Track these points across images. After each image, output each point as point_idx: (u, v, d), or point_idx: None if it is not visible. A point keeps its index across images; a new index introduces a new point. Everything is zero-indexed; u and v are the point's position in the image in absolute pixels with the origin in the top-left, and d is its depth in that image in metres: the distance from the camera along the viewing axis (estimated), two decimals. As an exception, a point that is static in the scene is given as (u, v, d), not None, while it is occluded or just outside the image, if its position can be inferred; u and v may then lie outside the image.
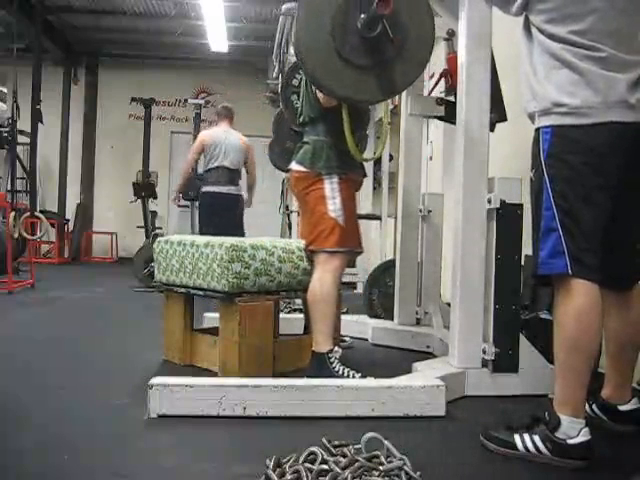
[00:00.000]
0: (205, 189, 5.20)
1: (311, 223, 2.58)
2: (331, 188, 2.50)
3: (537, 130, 1.79)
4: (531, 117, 1.84)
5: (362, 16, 2.15)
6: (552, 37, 1.73)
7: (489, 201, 2.40)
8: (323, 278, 2.48)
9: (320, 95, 2.47)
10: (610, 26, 1.70)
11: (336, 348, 2.47)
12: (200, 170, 5.77)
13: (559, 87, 1.71)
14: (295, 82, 3.92)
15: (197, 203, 5.58)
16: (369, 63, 2.22)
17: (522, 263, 2.43)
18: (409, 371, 2.49)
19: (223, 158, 5.15)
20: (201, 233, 5.07)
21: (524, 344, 2.43)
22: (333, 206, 2.49)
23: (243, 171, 5.42)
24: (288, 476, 1.44)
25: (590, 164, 1.70)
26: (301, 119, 2.65)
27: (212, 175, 5.15)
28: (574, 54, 1.69)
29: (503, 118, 2.88)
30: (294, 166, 2.61)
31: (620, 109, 1.68)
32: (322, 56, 2.19)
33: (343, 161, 2.53)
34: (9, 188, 7.30)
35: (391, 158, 6.13)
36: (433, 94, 3.42)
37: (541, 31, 1.75)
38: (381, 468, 1.46)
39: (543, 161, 1.75)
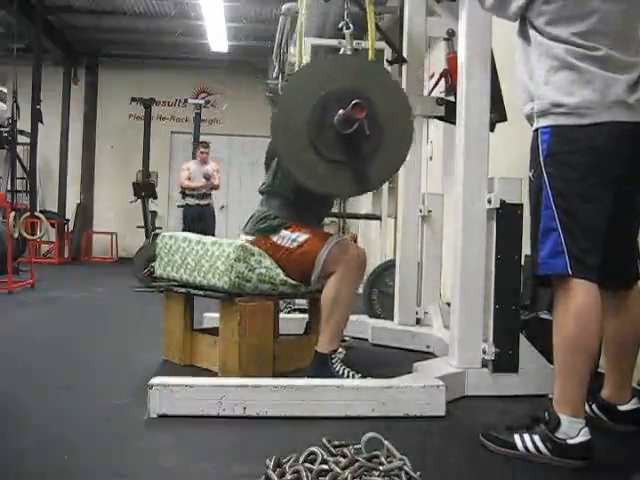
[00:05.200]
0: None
1: (303, 270, 2.53)
2: (282, 236, 2.51)
3: (536, 131, 1.79)
4: (529, 119, 1.84)
5: (340, 112, 2.16)
6: (553, 39, 1.73)
7: (489, 201, 2.40)
8: (345, 278, 2.43)
9: None
10: (610, 27, 1.70)
11: (340, 349, 2.46)
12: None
13: (558, 88, 1.72)
14: None
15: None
16: (344, 159, 2.24)
17: (522, 263, 2.43)
18: (409, 371, 2.49)
19: None
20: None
21: (524, 344, 2.42)
22: (296, 242, 2.49)
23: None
24: (288, 476, 1.44)
25: (589, 164, 1.70)
26: (262, 187, 2.64)
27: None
28: (573, 54, 1.70)
29: (503, 118, 2.88)
30: (246, 237, 2.61)
31: (618, 109, 1.69)
32: (297, 148, 2.21)
33: (295, 215, 2.54)
34: (9, 188, 7.33)
35: (391, 158, 6.12)
36: (433, 94, 3.42)
37: (541, 33, 1.75)
38: (381, 468, 1.46)
39: (542, 161, 1.75)
